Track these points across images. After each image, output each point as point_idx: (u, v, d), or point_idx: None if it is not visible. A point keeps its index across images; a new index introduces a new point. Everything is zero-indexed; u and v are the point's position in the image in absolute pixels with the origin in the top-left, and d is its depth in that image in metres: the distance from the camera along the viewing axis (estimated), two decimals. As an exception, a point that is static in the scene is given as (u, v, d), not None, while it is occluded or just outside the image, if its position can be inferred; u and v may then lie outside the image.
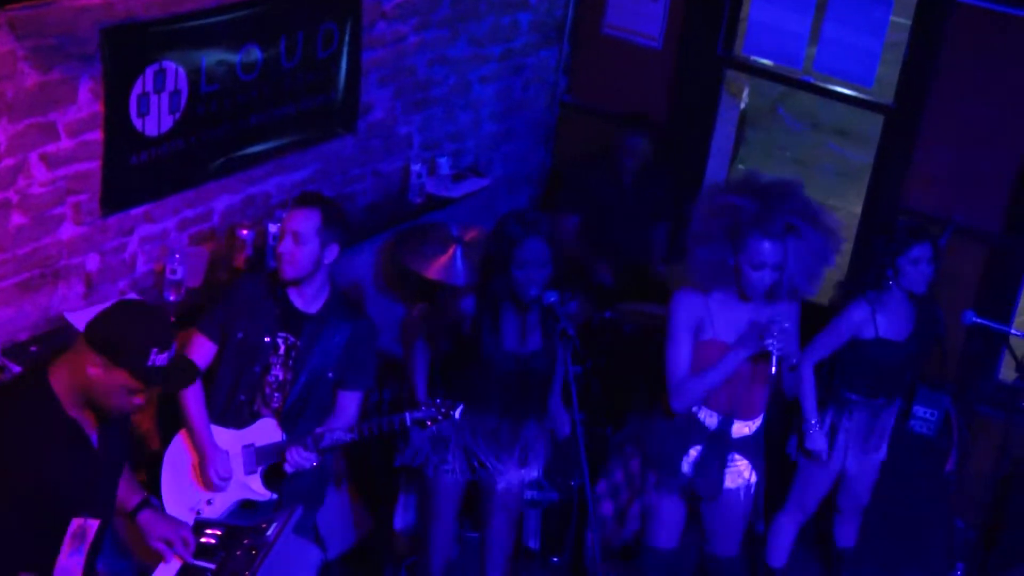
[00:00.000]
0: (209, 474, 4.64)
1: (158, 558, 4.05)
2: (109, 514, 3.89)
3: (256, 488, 4.69)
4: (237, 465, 4.68)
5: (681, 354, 4.78)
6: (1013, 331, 5.58)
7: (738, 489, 5.04)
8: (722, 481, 4.97)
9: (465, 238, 5.98)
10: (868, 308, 5.24)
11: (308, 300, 4.66)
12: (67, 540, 3.69)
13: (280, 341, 4.67)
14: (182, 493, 4.71)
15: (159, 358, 3.62)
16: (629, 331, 6.16)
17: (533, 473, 5.08)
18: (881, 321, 5.25)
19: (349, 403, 4.79)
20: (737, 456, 4.97)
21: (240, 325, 4.64)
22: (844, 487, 5.61)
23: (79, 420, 3.63)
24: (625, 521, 5.24)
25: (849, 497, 5.64)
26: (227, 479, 4.66)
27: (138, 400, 3.67)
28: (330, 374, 4.71)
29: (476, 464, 4.93)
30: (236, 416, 4.71)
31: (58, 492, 3.62)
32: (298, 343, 4.66)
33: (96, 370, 3.57)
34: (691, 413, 4.90)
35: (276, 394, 4.71)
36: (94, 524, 3.76)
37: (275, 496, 4.71)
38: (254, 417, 4.71)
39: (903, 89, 6.29)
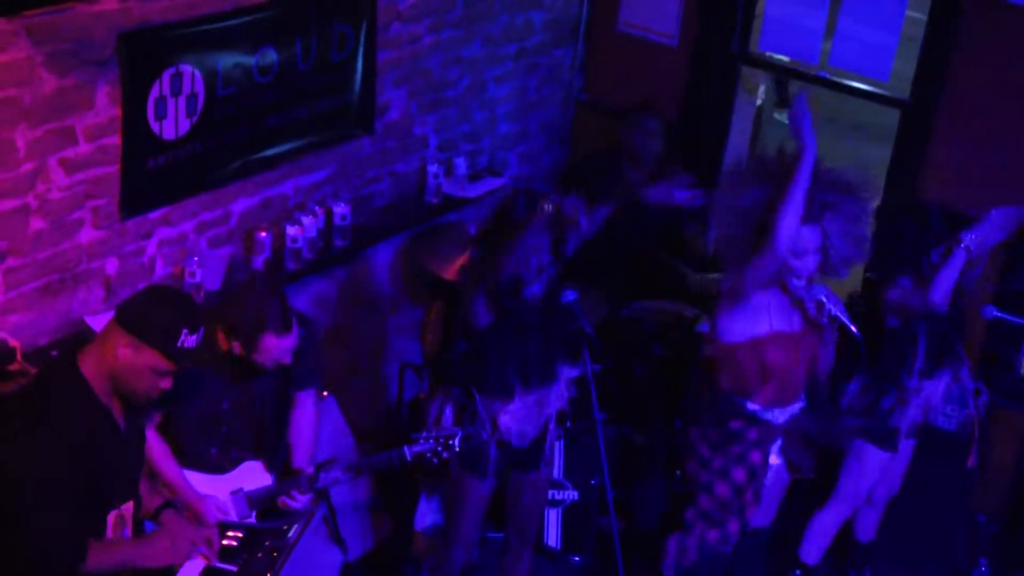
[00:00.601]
0: (207, 516, 4.47)
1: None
2: (139, 495, 3.93)
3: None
4: (229, 512, 4.57)
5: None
6: (1033, 325, 5.56)
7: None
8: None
9: (482, 238, 5.98)
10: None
11: None
12: (110, 530, 3.73)
13: (237, 394, 4.62)
14: None
15: (189, 339, 3.66)
16: (646, 329, 6.15)
17: (555, 472, 5.07)
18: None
19: (306, 399, 4.76)
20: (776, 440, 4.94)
21: (189, 405, 4.54)
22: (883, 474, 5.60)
23: (110, 408, 3.67)
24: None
25: (885, 485, 5.62)
26: (226, 512, 4.55)
27: (165, 383, 3.70)
28: (284, 383, 4.69)
29: (503, 466, 4.90)
30: (215, 464, 4.62)
31: (102, 481, 3.67)
32: (253, 383, 4.62)
33: (126, 351, 3.62)
34: (754, 415, 4.83)
35: (247, 436, 4.67)
36: (129, 507, 3.81)
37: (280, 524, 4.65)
38: (236, 462, 4.64)
39: (919, 83, 6.27)
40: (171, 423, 4.54)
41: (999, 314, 5.50)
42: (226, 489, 4.58)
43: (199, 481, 4.56)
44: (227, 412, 4.58)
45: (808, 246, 4.54)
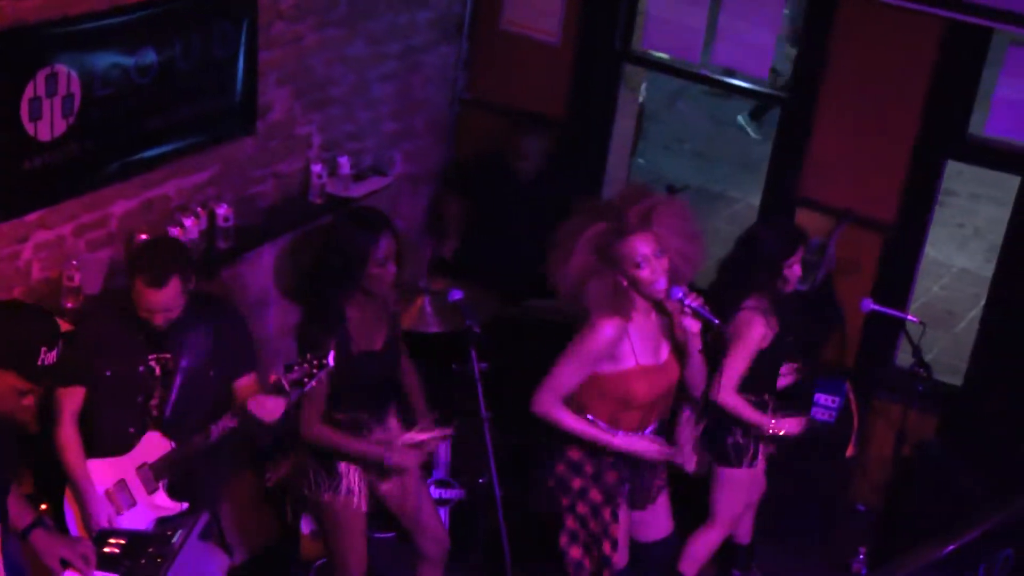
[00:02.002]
0: (98, 523, 4.47)
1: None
2: (5, 512, 3.84)
3: (164, 504, 4.61)
4: (137, 490, 4.57)
5: (570, 377, 4.70)
6: (909, 317, 5.69)
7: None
8: (662, 485, 5.01)
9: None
10: (763, 319, 5.23)
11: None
12: None
13: (154, 364, 4.58)
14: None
15: (48, 356, 3.59)
16: (535, 328, 6.18)
17: (441, 471, 5.06)
18: (772, 323, 5.29)
19: (249, 383, 4.73)
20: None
21: (104, 363, 4.52)
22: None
23: None
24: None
25: (755, 489, 5.70)
26: (117, 517, 4.54)
27: (27, 402, 3.62)
28: (212, 372, 4.65)
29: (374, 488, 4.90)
30: (127, 446, 4.59)
31: None
32: (169, 356, 4.60)
33: None
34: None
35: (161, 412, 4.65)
36: None
37: (185, 505, 4.65)
38: (140, 436, 4.61)
39: (797, 80, 6.39)
40: (91, 406, 4.52)
41: (876, 307, 5.63)
42: (131, 467, 4.56)
43: (104, 468, 4.53)
44: (143, 376, 4.55)
45: (645, 252, 4.54)
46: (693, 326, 4.62)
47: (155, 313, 4.42)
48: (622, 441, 4.71)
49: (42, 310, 3.93)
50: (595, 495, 4.84)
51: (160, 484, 4.59)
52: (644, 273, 4.56)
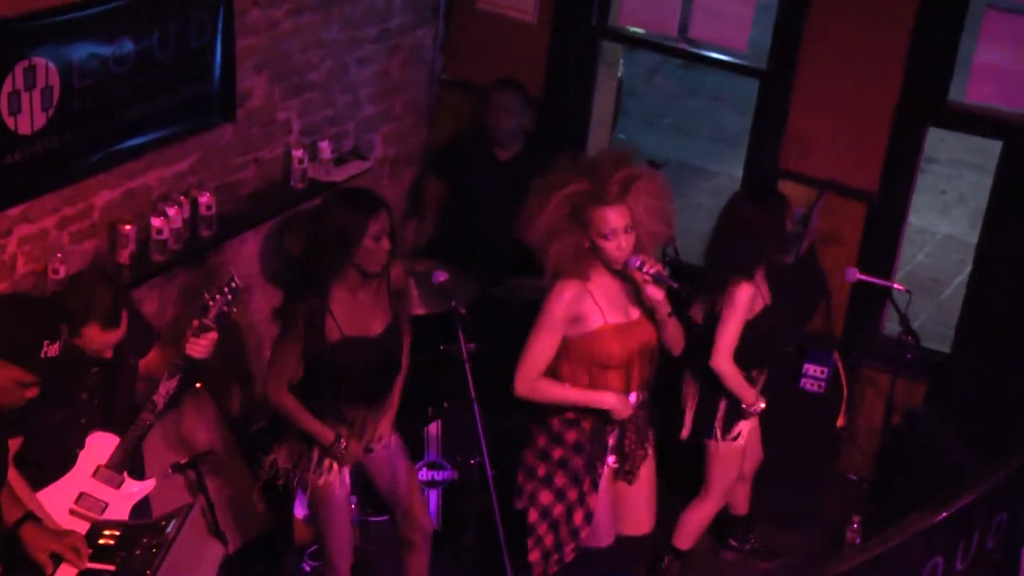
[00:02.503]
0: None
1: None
2: None
3: (136, 488, 4.55)
4: (103, 492, 4.46)
5: (543, 349, 4.71)
6: (895, 286, 5.71)
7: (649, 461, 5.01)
8: (645, 454, 4.95)
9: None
10: (751, 286, 5.25)
11: None
12: None
13: (91, 384, 4.52)
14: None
15: (51, 349, 3.58)
16: (519, 307, 6.16)
17: (432, 454, 5.05)
18: (764, 293, 5.33)
19: (155, 357, 4.68)
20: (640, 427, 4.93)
21: (49, 409, 4.35)
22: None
23: None
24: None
25: (749, 459, 5.73)
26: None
27: (31, 393, 3.62)
28: (131, 360, 4.59)
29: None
30: (71, 463, 4.47)
31: None
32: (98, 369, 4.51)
33: None
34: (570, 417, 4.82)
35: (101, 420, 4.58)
36: None
37: (153, 480, 4.59)
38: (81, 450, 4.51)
39: (776, 53, 6.38)
40: (33, 446, 4.39)
41: (861, 277, 5.64)
42: (86, 476, 4.47)
43: (58, 491, 4.42)
44: (86, 404, 4.49)
45: (616, 226, 4.57)
46: (656, 293, 4.63)
47: (108, 348, 4.33)
48: (612, 398, 4.70)
49: (48, 303, 3.92)
50: (577, 462, 4.82)
51: (123, 474, 4.52)
52: (610, 245, 4.58)
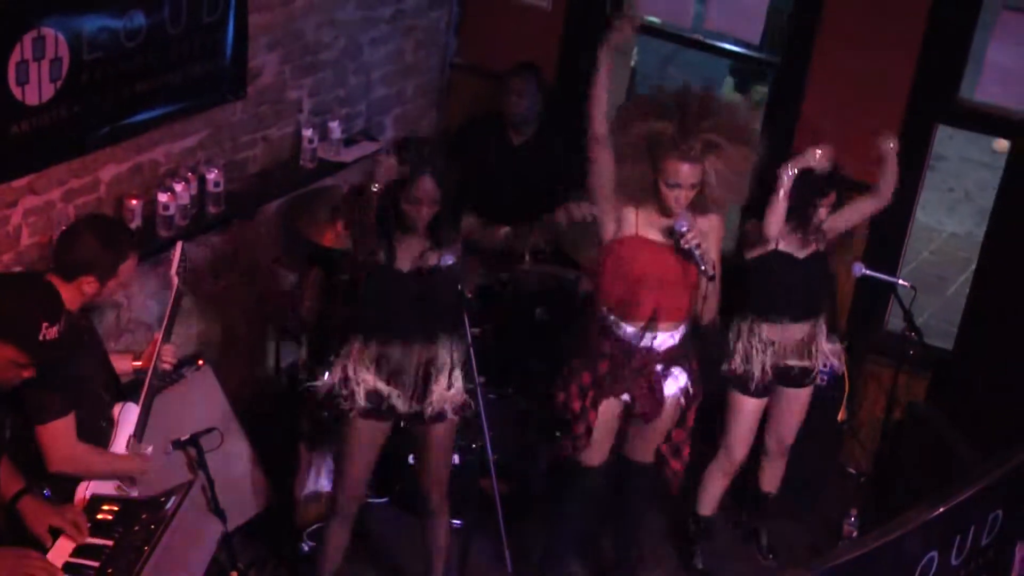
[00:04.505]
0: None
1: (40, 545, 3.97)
2: None
3: (149, 453, 4.59)
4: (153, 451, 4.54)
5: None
6: (900, 282, 5.70)
7: (669, 397, 5.11)
8: (660, 398, 5.07)
9: (359, 203, 5.94)
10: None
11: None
12: None
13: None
14: None
15: (50, 331, 3.57)
16: (527, 292, 6.17)
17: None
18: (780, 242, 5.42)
19: None
20: (660, 366, 5.05)
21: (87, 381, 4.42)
22: (769, 424, 5.76)
23: None
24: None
25: (777, 436, 5.79)
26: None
27: (27, 374, 3.61)
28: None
29: (383, 402, 4.87)
30: (106, 440, 4.48)
31: None
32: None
33: None
34: (613, 332, 5.00)
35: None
36: None
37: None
38: (111, 422, 4.52)
39: (790, 45, 6.36)
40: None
41: (867, 272, 5.63)
42: (122, 450, 4.47)
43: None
44: (92, 380, 4.51)
45: (684, 181, 4.70)
46: (694, 252, 4.76)
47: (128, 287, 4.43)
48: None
49: (47, 285, 3.90)
50: (586, 377, 5.03)
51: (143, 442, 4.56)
52: (670, 195, 4.74)
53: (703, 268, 4.76)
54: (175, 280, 4.74)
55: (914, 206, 6.31)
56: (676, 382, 5.12)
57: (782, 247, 5.43)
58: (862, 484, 6.50)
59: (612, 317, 5.01)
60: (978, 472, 4.04)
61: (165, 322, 4.66)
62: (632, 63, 7.86)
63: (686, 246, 4.73)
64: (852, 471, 6.60)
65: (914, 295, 5.63)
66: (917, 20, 5.95)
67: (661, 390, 5.07)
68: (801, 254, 5.47)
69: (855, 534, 5.91)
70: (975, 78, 6.01)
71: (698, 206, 4.84)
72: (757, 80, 9.38)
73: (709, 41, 6.74)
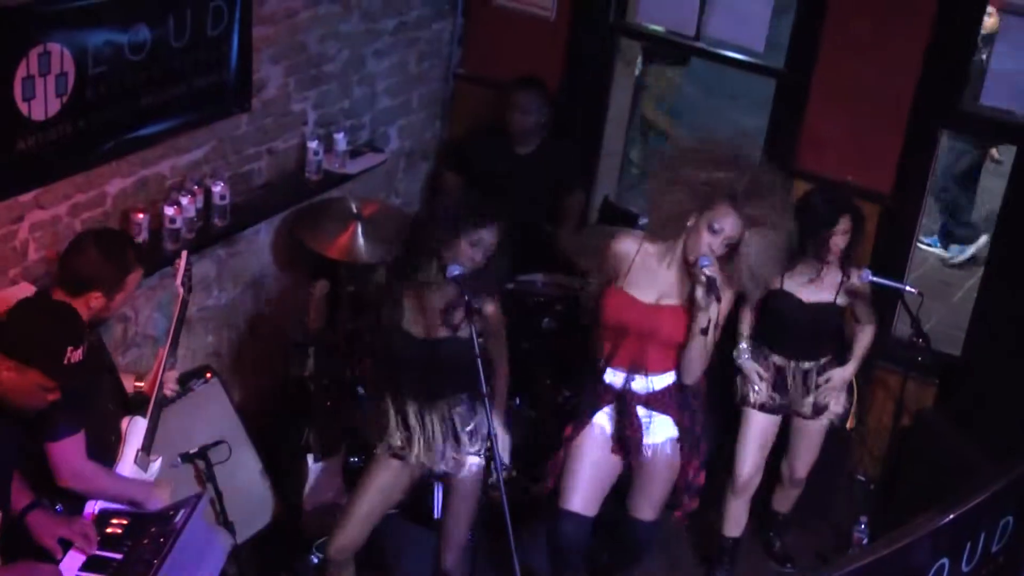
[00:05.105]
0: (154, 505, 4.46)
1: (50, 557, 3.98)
2: (7, 507, 3.84)
3: (159, 466, 4.61)
4: (142, 476, 4.54)
5: (595, 288, 5.03)
6: (907, 288, 5.69)
7: (656, 446, 5.08)
8: (640, 439, 5.05)
9: (365, 214, 5.95)
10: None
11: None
12: None
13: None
14: None
15: (74, 355, 3.59)
16: (532, 304, 6.17)
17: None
18: (787, 280, 5.47)
19: None
20: (653, 412, 5.03)
21: (96, 398, 4.45)
22: (785, 454, 5.86)
23: None
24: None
25: (786, 465, 5.89)
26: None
27: (52, 397, 3.63)
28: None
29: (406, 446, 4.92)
30: (114, 456, 4.51)
31: None
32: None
33: (11, 374, 3.56)
34: (599, 370, 5.04)
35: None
36: None
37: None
38: (119, 436, 4.55)
39: (793, 53, 6.37)
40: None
41: (875, 278, 5.63)
42: (130, 464, 4.50)
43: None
44: (102, 395, 4.51)
45: (726, 231, 4.72)
46: (703, 300, 4.72)
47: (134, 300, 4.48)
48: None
49: (70, 309, 3.91)
50: (586, 397, 5.13)
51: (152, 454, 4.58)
52: (706, 239, 4.73)
53: (715, 300, 4.73)
54: (180, 290, 4.77)
55: (920, 211, 6.30)
56: (663, 431, 5.09)
57: (787, 287, 5.49)
58: (871, 491, 6.48)
59: (601, 362, 5.07)
60: (988, 478, 4.03)
61: (171, 333, 4.67)
62: (636, 72, 7.87)
63: (706, 274, 4.70)
64: (861, 478, 6.58)
65: (921, 301, 5.62)
66: (921, 26, 5.94)
67: (639, 433, 5.05)
68: (809, 297, 5.51)
69: (865, 541, 5.89)
70: (980, 84, 6.01)
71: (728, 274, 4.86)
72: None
73: (712, 50, 6.74)
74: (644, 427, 5.03)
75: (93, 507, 4.33)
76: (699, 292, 4.74)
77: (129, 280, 4.37)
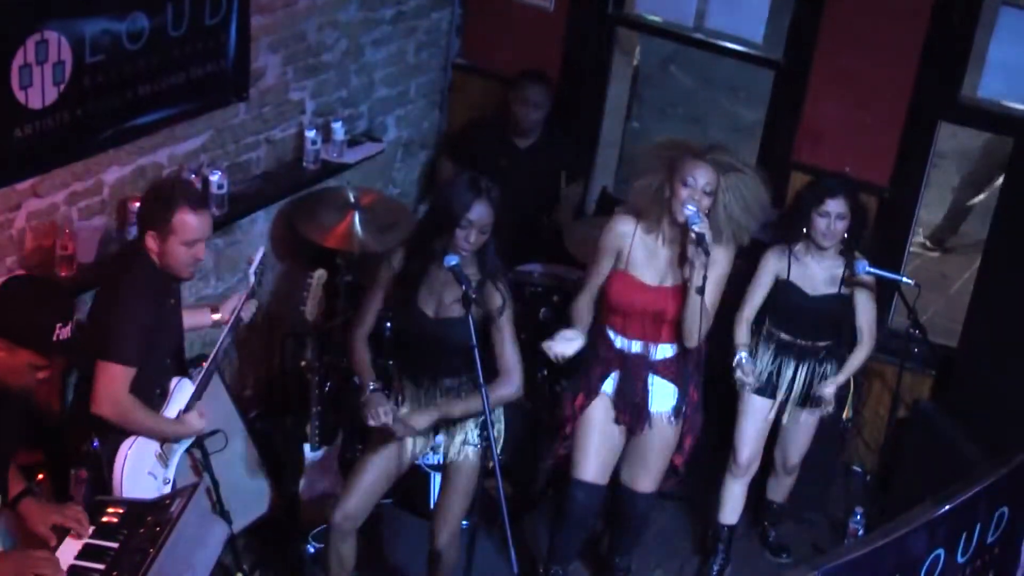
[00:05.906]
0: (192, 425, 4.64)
1: (44, 544, 3.98)
2: (5, 493, 3.84)
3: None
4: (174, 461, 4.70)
5: (594, 276, 5.16)
6: (904, 279, 5.69)
7: (659, 415, 5.18)
8: (645, 406, 5.15)
9: (362, 203, 5.94)
10: (785, 252, 5.52)
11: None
12: None
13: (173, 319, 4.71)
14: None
15: (63, 331, 3.59)
16: (529, 294, 6.17)
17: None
18: (794, 269, 5.49)
19: None
20: (657, 377, 5.14)
21: (156, 340, 4.56)
22: (777, 441, 5.85)
23: None
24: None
25: (778, 453, 5.88)
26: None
27: (43, 375, 3.63)
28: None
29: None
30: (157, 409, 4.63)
31: None
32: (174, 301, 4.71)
33: (1, 354, 3.53)
34: (609, 338, 5.17)
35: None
36: None
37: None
38: (165, 393, 4.66)
39: (792, 44, 6.36)
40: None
41: (871, 269, 5.63)
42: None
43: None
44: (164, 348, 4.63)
45: (699, 181, 4.85)
46: (694, 256, 4.83)
47: (197, 245, 4.49)
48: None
49: (57, 285, 3.94)
50: (582, 382, 5.25)
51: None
52: (685, 192, 4.85)
53: (706, 256, 4.79)
54: (251, 279, 4.97)
55: (918, 203, 6.30)
56: (667, 399, 5.17)
57: (793, 278, 5.53)
58: (867, 482, 6.50)
59: (609, 331, 5.17)
60: (983, 470, 4.05)
61: (243, 298, 4.91)
62: (635, 62, 7.86)
63: (695, 230, 4.80)
64: (857, 469, 6.60)
65: (918, 292, 5.63)
66: (920, 18, 5.94)
67: (646, 399, 5.14)
68: (814, 290, 5.53)
69: (860, 532, 5.90)
70: (977, 76, 6.00)
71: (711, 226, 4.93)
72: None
73: (710, 40, 6.73)
74: (648, 393, 5.13)
75: (125, 451, 4.46)
76: (690, 249, 4.87)
77: (175, 221, 4.41)
